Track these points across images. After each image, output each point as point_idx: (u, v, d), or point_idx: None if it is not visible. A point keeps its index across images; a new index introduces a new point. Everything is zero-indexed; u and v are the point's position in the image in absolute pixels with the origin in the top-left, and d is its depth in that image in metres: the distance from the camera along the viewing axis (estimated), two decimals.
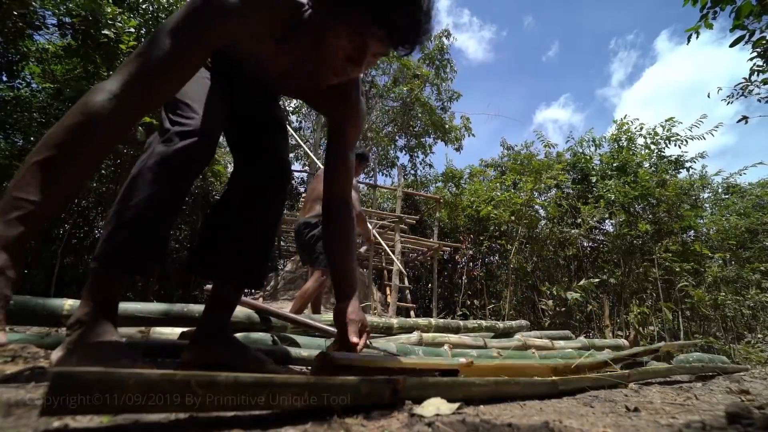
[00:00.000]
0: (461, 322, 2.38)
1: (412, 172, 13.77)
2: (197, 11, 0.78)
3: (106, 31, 5.05)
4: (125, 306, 1.26)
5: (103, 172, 6.45)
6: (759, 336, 4.91)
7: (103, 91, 0.73)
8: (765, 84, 4.20)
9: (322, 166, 3.27)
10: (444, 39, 12.76)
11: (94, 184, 6.23)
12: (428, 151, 13.53)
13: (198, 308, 1.39)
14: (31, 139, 5.54)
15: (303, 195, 9.60)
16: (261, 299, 8.20)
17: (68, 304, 1.22)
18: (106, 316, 0.84)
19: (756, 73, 4.23)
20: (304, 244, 2.94)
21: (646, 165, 6.84)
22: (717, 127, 6.51)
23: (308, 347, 1.49)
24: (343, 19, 0.79)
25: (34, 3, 4.92)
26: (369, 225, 3.26)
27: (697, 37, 3.91)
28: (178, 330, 1.42)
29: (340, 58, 0.84)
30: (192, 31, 0.78)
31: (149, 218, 0.85)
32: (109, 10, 5.08)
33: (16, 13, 4.89)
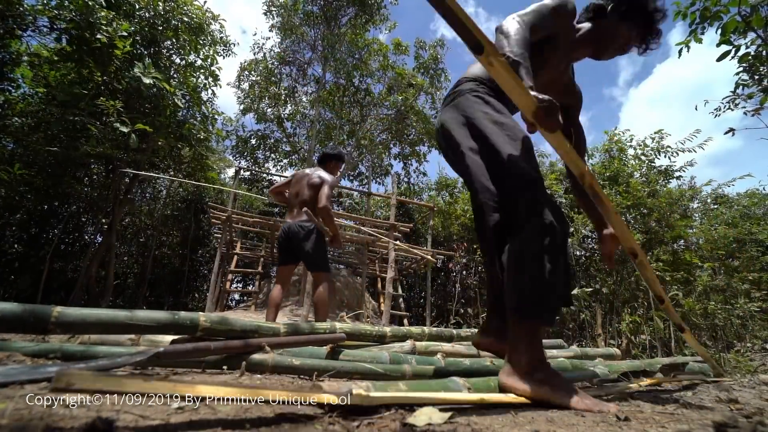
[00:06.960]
0: (455, 331, 2.38)
1: (406, 180, 13.84)
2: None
3: (99, 36, 5.03)
4: (115, 313, 1.24)
5: (95, 177, 6.37)
6: (748, 345, 4.95)
7: None
8: (750, 98, 4.31)
9: (305, 170, 3.23)
10: (438, 49, 12.95)
11: (86, 189, 6.15)
12: (422, 160, 13.63)
13: (189, 316, 1.35)
14: (23, 143, 5.47)
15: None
16: (253, 306, 8.11)
17: (56, 310, 1.14)
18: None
19: (741, 87, 4.34)
20: (299, 247, 2.95)
21: (637, 175, 6.93)
22: (707, 141, 6.64)
23: (299, 356, 1.48)
24: (632, 21, 1.35)
25: (23, 7, 4.89)
26: (336, 223, 3.11)
27: (688, 51, 4.03)
28: (169, 338, 1.40)
29: (618, 45, 1.39)
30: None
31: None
32: (102, 13, 5.07)
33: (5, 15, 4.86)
